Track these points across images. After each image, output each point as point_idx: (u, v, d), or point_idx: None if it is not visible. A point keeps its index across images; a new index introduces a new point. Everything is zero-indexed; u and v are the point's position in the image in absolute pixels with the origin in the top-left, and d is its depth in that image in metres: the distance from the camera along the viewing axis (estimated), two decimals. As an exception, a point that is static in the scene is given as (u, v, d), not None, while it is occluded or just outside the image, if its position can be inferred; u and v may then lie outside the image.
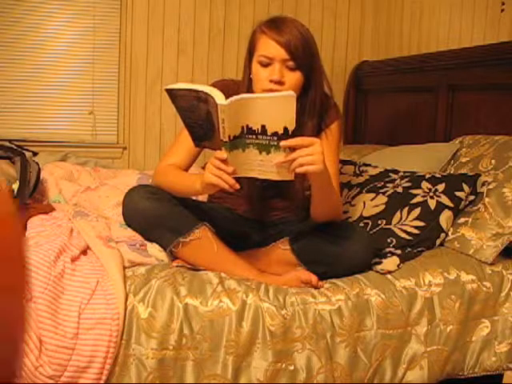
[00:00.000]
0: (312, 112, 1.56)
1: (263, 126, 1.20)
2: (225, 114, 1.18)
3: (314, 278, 1.47)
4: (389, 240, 1.66)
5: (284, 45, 1.47)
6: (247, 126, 1.20)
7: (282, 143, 1.22)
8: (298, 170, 1.27)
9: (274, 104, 1.19)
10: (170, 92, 1.27)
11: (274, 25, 1.51)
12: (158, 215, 1.51)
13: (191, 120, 1.27)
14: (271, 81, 1.48)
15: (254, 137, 1.22)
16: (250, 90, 1.57)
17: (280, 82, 1.48)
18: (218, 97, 1.19)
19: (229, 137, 1.21)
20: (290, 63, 1.49)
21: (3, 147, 1.97)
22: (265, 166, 1.26)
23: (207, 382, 1.34)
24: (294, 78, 1.50)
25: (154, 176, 1.62)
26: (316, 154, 1.26)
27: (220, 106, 1.17)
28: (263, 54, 1.50)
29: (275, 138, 1.21)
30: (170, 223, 1.50)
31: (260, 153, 1.24)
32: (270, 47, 1.49)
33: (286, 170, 1.27)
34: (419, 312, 1.50)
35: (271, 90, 1.48)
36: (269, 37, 1.50)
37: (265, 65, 1.50)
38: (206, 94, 1.20)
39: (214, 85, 1.65)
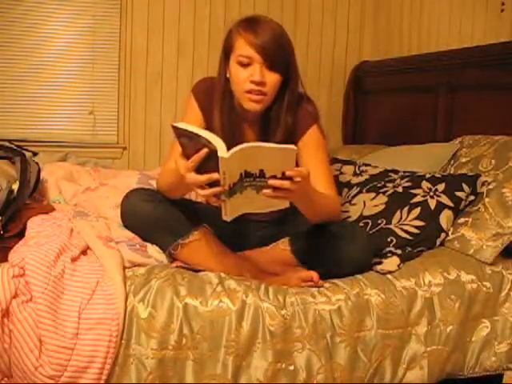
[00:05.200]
0: (289, 110, 1.56)
1: (261, 170, 1.20)
2: (226, 166, 1.17)
3: (314, 275, 1.47)
4: (389, 239, 1.66)
5: (260, 48, 1.47)
6: (245, 171, 1.20)
7: (270, 182, 1.22)
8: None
9: (274, 154, 1.18)
10: (176, 129, 1.26)
11: (250, 26, 1.50)
12: (156, 218, 1.51)
13: (191, 155, 1.26)
14: (252, 81, 1.49)
15: (252, 179, 1.21)
16: (226, 90, 1.57)
17: (261, 83, 1.48)
18: (221, 148, 1.18)
19: (229, 185, 1.21)
20: (268, 64, 1.49)
21: (3, 147, 1.97)
22: (260, 202, 1.26)
23: (207, 382, 1.34)
24: (274, 78, 1.50)
25: (156, 183, 1.62)
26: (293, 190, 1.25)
27: (222, 159, 1.16)
28: (242, 54, 1.50)
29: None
30: (168, 225, 1.50)
31: (257, 193, 1.24)
32: (247, 49, 1.49)
33: (278, 200, 1.27)
34: (419, 312, 1.50)
35: (252, 92, 1.49)
36: (245, 39, 1.49)
37: (245, 65, 1.50)
38: (210, 142, 1.19)
39: (198, 85, 1.66)
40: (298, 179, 1.23)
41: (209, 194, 1.25)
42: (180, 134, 1.27)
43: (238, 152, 1.16)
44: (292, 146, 1.19)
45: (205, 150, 1.22)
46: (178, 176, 1.32)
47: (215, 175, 1.21)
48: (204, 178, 1.24)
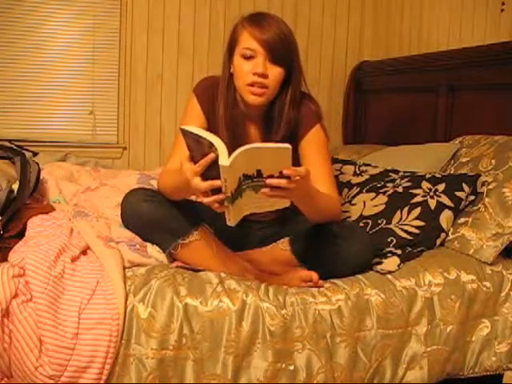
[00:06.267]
0: (292, 107, 1.57)
1: (259, 171, 1.20)
2: (227, 173, 1.17)
3: (314, 275, 1.47)
4: (389, 239, 1.66)
5: (263, 41, 1.48)
6: (243, 174, 1.20)
7: (268, 181, 1.21)
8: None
9: (269, 154, 1.18)
10: (183, 131, 1.27)
11: (256, 21, 1.51)
12: (156, 218, 1.50)
13: (198, 159, 1.27)
14: (255, 73, 1.49)
15: (250, 181, 1.21)
16: (230, 85, 1.57)
17: (264, 75, 1.49)
18: (222, 155, 1.18)
19: (231, 192, 1.21)
20: (271, 58, 1.49)
21: (3, 147, 1.97)
22: (261, 201, 1.26)
23: (207, 382, 1.34)
24: (277, 71, 1.51)
25: (157, 184, 1.62)
26: (291, 190, 1.25)
27: (223, 167, 1.17)
28: (246, 47, 1.50)
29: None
30: (168, 226, 1.50)
31: (256, 192, 1.24)
32: (250, 42, 1.49)
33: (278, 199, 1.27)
34: (419, 312, 1.50)
35: (254, 85, 1.49)
36: (250, 33, 1.50)
37: (248, 57, 1.50)
38: (214, 147, 1.20)
39: (200, 84, 1.66)
40: (296, 178, 1.23)
41: (212, 202, 1.25)
42: (188, 136, 1.27)
43: (236, 157, 1.16)
44: (286, 145, 1.18)
45: (212, 156, 1.22)
46: (182, 180, 1.32)
47: (217, 182, 1.22)
48: (207, 184, 1.25)
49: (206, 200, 1.26)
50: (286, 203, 1.29)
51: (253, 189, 1.23)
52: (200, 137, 1.23)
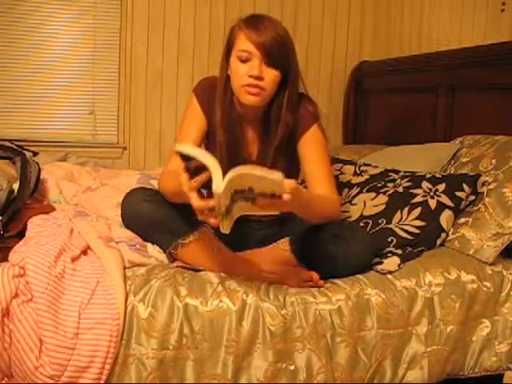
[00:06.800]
0: (289, 109, 1.57)
1: (250, 187, 1.20)
2: (220, 196, 1.18)
3: (314, 275, 1.47)
4: (389, 239, 1.66)
5: (259, 44, 1.48)
6: (235, 190, 1.20)
7: (259, 203, 1.21)
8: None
9: (262, 180, 1.17)
10: (178, 152, 1.27)
11: (252, 23, 1.51)
12: (156, 218, 1.50)
13: (194, 175, 1.27)
14: (250, 76, 1.49)
15: (241, 194, 1.21)
16: (227, 87, 1.58)
17: (259, 78, 1.49)
18: (216, 178, 1.18)
19: (224, 207, 1.21)
20: (267, 61, 1.49)
21: (3, 147, 1.97)
22: (252, 208, 1.26)
23: (207, 382, 1.34)
24: (272, 74, 1.50)
25: (158, 185, 1.61)
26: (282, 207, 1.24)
27: (216, 194, 1.17)
28: (242, 49, 1.50)
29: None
30: (168, 225, 1.50)
31: (247, 202, 1.24)
32: (246, 45, 1.50)
33: None
34: (419, 312, 1.50)
35: (250, 85, 1.49)
36: (245, 35, 1.50)
37: (244, 60, 1.50)
38: (209, 170, 1.20)
39: (199, 84, 1.66)
40: (288, 197, 1.20)
41: (206, 219, 1.25)
42: (186, 157, 1.26)
43: (229, 182, 1.16)
44: (280, 178, 1.16)
45: (207, 175, 1.22)
46: (180, 190, 1.31)
47: (211, 202, 1.22)
48: (202, 204, 1.24)
49: (200, 218, 1.27)
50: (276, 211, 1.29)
51: (244, 199, 1.23)
52: (195, 159, 1.23)
